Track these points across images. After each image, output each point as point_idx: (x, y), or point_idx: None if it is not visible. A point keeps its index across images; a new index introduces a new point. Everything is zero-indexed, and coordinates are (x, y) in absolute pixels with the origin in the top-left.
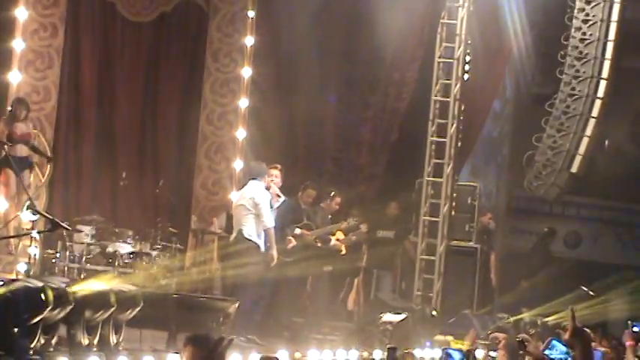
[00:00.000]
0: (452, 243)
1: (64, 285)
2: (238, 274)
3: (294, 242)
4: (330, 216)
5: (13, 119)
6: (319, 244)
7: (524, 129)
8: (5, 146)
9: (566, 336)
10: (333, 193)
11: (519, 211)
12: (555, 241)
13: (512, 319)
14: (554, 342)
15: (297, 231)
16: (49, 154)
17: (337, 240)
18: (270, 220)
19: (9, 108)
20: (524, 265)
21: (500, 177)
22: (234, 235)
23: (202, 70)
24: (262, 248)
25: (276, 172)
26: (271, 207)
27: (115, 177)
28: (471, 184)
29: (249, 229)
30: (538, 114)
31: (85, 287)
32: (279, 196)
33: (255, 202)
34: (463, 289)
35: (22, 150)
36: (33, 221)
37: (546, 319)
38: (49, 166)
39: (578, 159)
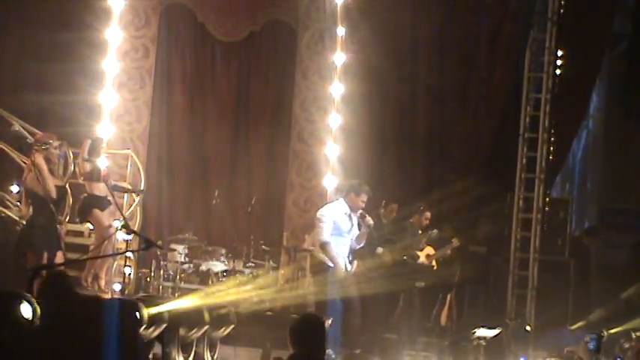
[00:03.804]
0: (544, 258)
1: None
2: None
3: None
4: (420, 231)
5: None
6: (406, 260)
7: (616, 141)
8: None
9: None
10: (422, 208)
11: (612, 225)
12: None
13: (606, 332)
14: None
15: (379, 249)
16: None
17: (427, 256)
18: (324, 235)
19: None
20: (618, 278)
21: (593, 190)
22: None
23: (292, 88)
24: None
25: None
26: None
27: (207, 196)
28: (563, 198)
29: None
30: (630, 125)
31: (179, 305)
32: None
33: (317, 218)
34: (557, 304)
35: (100, 189)
36: (127, 241)
37: None
38: (137, 197)
39: None
